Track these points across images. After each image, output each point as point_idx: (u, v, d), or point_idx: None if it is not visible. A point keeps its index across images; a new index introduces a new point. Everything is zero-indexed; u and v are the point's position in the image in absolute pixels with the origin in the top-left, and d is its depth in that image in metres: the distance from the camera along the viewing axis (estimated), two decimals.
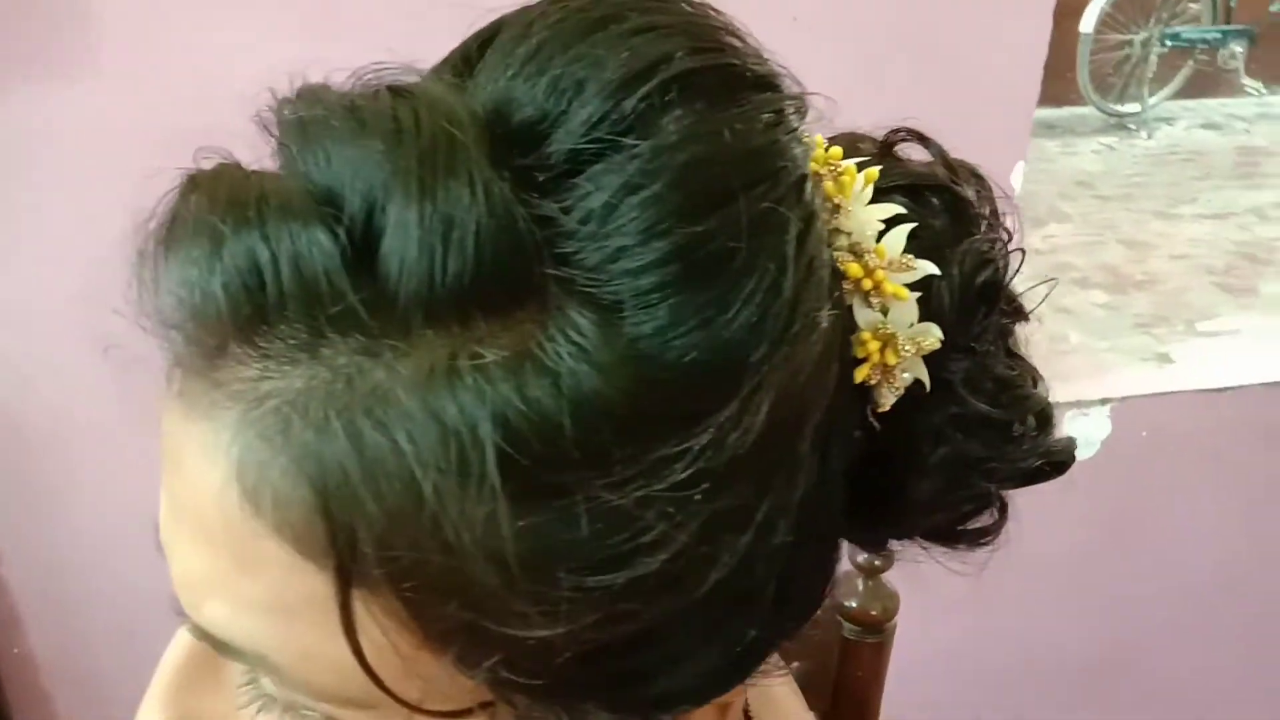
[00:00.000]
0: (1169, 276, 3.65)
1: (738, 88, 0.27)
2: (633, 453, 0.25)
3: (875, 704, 0.71)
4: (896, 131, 0.35)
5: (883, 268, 0.30)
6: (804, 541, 0.29)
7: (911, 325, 0.31)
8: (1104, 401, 1.28)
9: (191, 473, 0.27)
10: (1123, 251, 3.85)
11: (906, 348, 0.30)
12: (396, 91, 0.26)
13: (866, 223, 0.30)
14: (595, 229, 0.25)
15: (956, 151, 1.11)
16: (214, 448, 0.26)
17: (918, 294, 0.31)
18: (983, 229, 0.33)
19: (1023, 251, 0.34)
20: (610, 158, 0.25)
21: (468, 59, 0.29)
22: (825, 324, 0.27)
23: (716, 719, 0.34)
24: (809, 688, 0.70)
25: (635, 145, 0.25)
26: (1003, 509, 0.36)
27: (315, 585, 0.26)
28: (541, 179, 0.26)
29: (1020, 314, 0.35)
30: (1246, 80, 4.97)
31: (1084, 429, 1.27)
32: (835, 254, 0.30)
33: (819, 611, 0.60)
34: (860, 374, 0.31)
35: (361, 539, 0.24)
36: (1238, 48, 4.87)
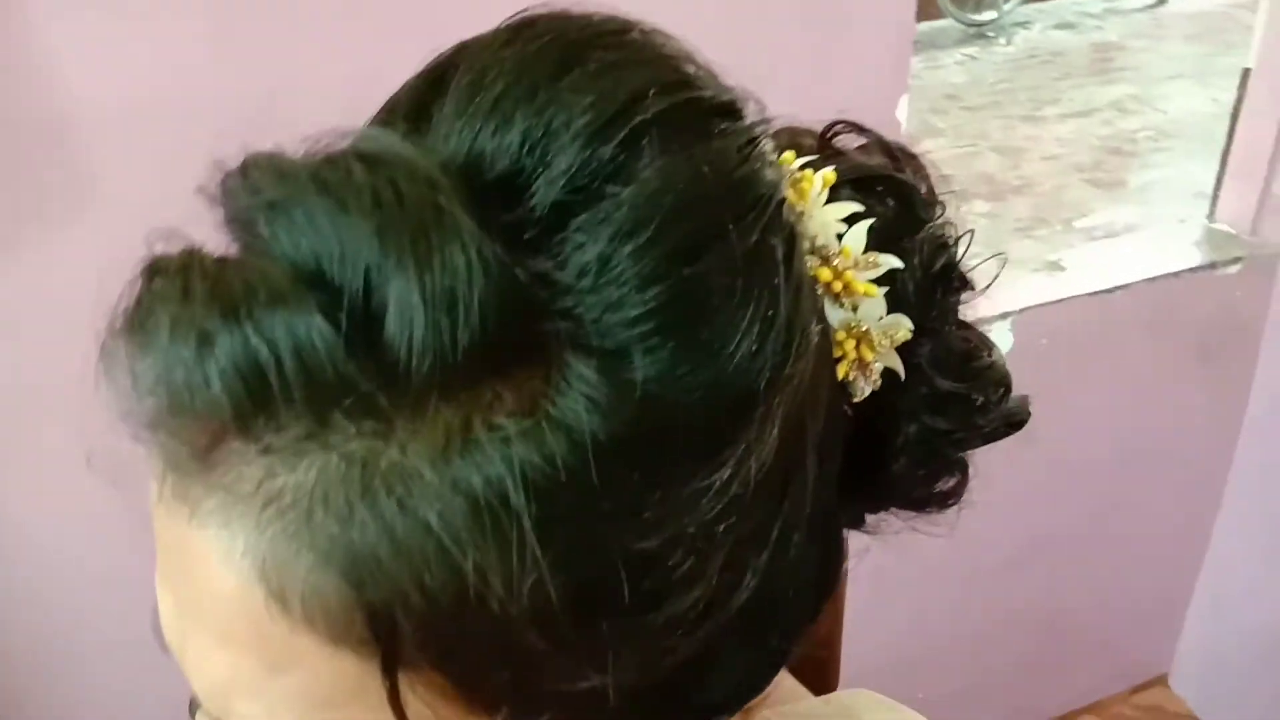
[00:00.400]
0: (1043, 178, 3.79)
1: (708, 120, 0.27)
2: (660, 495, 0.25)
3: (836, 649, 0.74)
4: (834, 125, 0.35)
5: (850, 268, 0.31)
6: (813, 541, 0.30)
7: (881, 319, 0.32)
8: (1004, 316, 1.33)
9: (206, 579, 0.26)
10: (997, 159, 3.98)
11: (881, 342, 0.31)
12: (364, 159, 0.25)
13: (828, 224, 0.31)
14: (592, 282, 0.25)
15: (839, 91, 1.12)
16: (230, 552, 0.25)
17: (884, 288, 0.32)
18: (930, 211, 0.34)
19: (971, 233, 0.35)
20: (596, 207, 0.25)
21: (420, 107, 0.28)
22: (816, 339, 0.28)
23: (743, 717, 0.35)
24: None
25: (619, 192, 0.25)
26: (964, 469, 0.38)
27: (354, 672, 0.25)
28: (528, 235, 0.26)
29: (967, 285, 0.36)
30: None
31: None
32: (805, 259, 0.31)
33: None
34: (840, 371, 0.32)
35: (402, 624, 0.24)
36: None
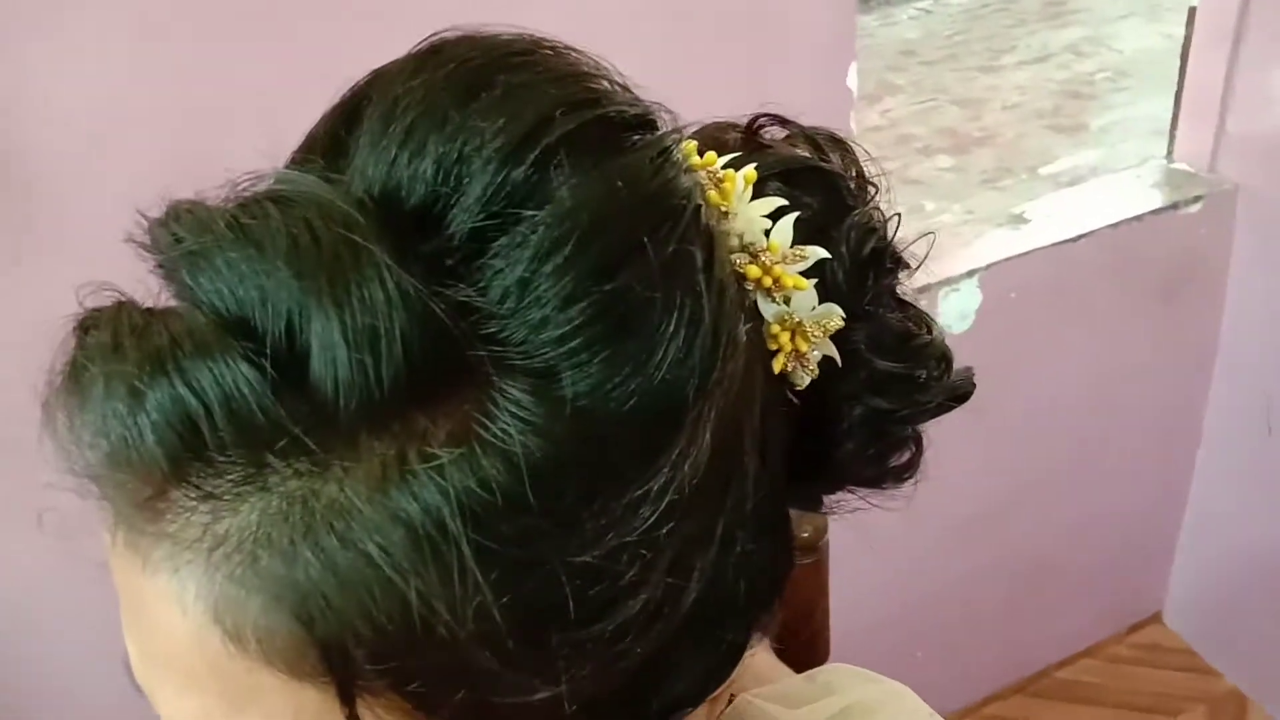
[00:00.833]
0: (1005, 128, 3.80)
1: (619, 135, 0.28)
2: (596, 508, 0.26)
3: (824, 618, 0.75)
4: (757, 117, 0.36)
5: (778, 262, 0.31)
6: (761, 535, 0.31)
7: (814, 309, 0.32)
8: (971, 273, 1.34)
9: (161, 623, 0.26)
10: (957, 112, 3.98)
11: (815, 333, 0.32)
12: (279, 201, 0.25)
13: (753, 221, 0.32)
14: (514, 305, 0.25)
15: (789, 65, 1.13)
16: (183, 598, 0.25)
17: (813, 279, 0.32)
18: (857, 198, 0.35)
19: (899, 216, 0.36)
20: (513, 231, 0.26)
21: (336, 141, 0.28)
22: (744, 338, 0.28)
23: (709, 709, 0.36)
24: None
25: (534, 214, 0.26)
26: (919, 441, 0.38)
27: (316, 703, 0.26)
28: (449, 262, 0.26)
29: (902, 265, 0.37)
30: None
31: (958, 304, 1.33)
32: (732, 258, 0.31)
33: None
34: (777, 364, 0.32)
35: (355, 654, 0.25)
36: None
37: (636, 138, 0.28)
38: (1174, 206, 1.48)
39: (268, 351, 0.24)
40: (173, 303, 0.28)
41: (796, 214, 0.32)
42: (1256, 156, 1.46)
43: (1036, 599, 1.65)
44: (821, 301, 0.32)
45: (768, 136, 0.36)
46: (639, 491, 0.26)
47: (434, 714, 0.27)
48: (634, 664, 0.28)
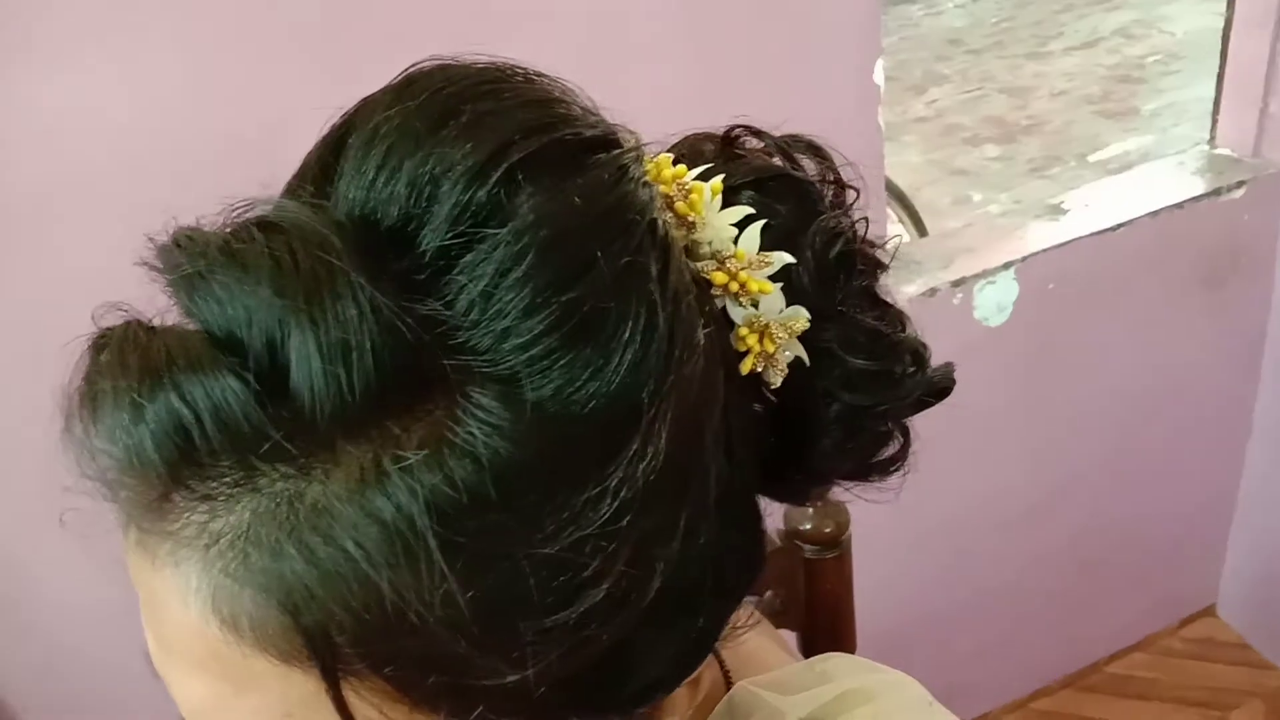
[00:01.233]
0: (1053, 115, 3.75)
1: (577, 156, 0.29)
2: (558, 504, 0.28)
3: (848, 612, 0.76)
4: (733, 128, 0.37)
5: (744, 269, 0.33)
6: (728, 528, 0.32)
7: (781, 311, 0.34)
8: (1007, 265, 1.33)
9: (170, 614, 0.29)
10: (1004, 100, 3.93)
11: (780, 334, 0.33)
12: (265, 227, 0.27)
13: (721, 229, 0.33)
14: (478, 317, 0.27)
15: (814, 61, 1.13)
16: (185, 591, 0.28)
17: (780, 283, 0.33)
18: (827, 203, 0.36)
19: (867, 220, 0.37)
20: (478, 247, 0.28)
21: (325, 168, 0.31)
22: (703, 341, 0.30)
23: (690, 694, 0.37)
24: (783, 613, 0.75)
25: (496, 232, 0.27)
26: (905, 435, 0.39)
27: (308, 685, 0.28)
28: (420, 278, 0.28)
29: (878, 266, 0.38)
30: None
31: (995, 296, 1.33)
32: (699, 265, 0.33)
33: (777, 541, 0.64)
34: (746, 366, 0.34)
35: (337, 640, 0.27)
36: None
37: (595, 157, 0.30)
38: (1216, 193, 1.46)
39: (251, 366, 0.26)
40: (180, 319, 0.30)
41: (765, 221, 0.34)
42: None
43: (1085, 592, 1.64)
44: (789, 304, 0.34)
45: (746, 146, 0.38)
46: (597, 489, 0.28)
47: (412, 695, 0.29)
48: (601, 650, 0.30)
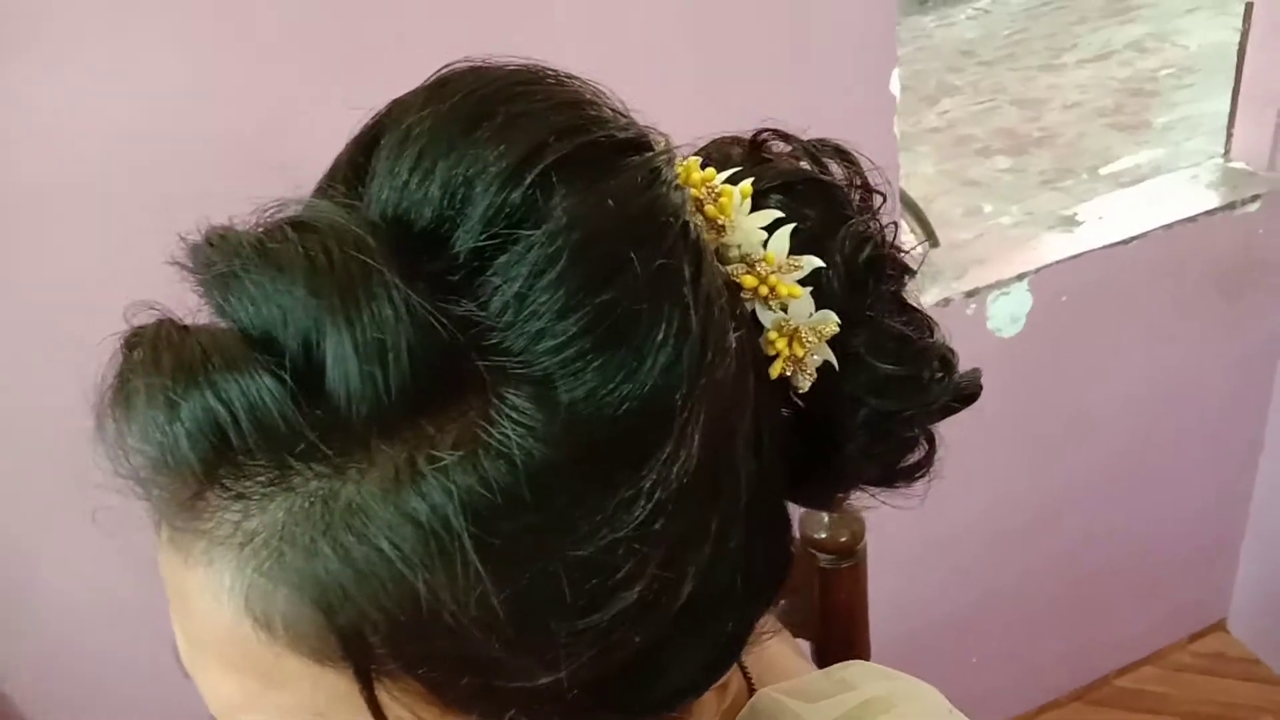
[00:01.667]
0: (1065, 127, 3.74)
1: (610, 158, 0.30)
2: (591, 506, 0.28)
3: (863, 621, 0.76)
4: (761, 132, 0.37)
5: (774, 272, 0.33)
6: (756, 532, 0.32)
7: (810, 315, 0.34)
8: (1021, 277, 1.33)
9: (202, 612, 0.29)
10: (1016, 112, 3.93)
11: (810, 338, 0.33)
12: (299, 227, 0.27)
13: (750, 232, 0.33)
14: (513, 318, 0.27)
15: (831, 71, 1.13)
16: (218, 589, 0.28)
17: (809, 287, 0.33)
18: (855, 208, 0.36)
19: (896, 224, 0.37)
20: (512, 249, 0.28)
21: (356, 168, 0.31)
22: (734, 345, 0.30)
23: (718, 698, 0.37)
24: (798, 622, 0.74)
25: (531, 234, 0.27)
26: (930, 441, 0.39)
27: (340, 685, 0.28)
28: (453, 279, 0.28)
29: (906, 271, 0.38)
30: None
31: (1008, 307, 1.33)
32: (730, 269, 0.33)
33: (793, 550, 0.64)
34: (775, 370, 0.34)
35: (371, 640, 0.27)
36: None
37: (627, 160, 0.30)
38: (1230, 206, 1.46)
39: (288, 365, 0.26)
40: (211, 318, 0.31)
41: (794, 225, 0.34)
42: None
43: (1096, 605, 1.63)
44: (819, 308, 0.34)
45: (773, 150, 0.38)
46: (630, 491, 0.28)
47: (444, 696, 0.29)
48: (632, 653, 0.30)
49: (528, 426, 0.27)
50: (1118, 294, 1.41)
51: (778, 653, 0.48)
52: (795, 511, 0.41)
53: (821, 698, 0.42)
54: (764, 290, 0.33)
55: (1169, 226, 1.41)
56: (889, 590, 1.07)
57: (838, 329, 0.34)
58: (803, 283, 0.33)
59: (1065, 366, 1.43)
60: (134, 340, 0.29)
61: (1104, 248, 1.39)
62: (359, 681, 0.28)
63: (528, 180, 0.28)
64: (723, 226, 0.33)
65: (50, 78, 0.81)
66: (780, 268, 0.33)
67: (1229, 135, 1.56)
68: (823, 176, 0.36)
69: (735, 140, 0.37)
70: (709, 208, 0.33)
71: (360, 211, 0.29)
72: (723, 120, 0.41)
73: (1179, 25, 4.26)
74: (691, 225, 0.30)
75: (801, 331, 0.33)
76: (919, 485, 0.41)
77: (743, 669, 0.44)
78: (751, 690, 0.45)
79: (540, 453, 0.27)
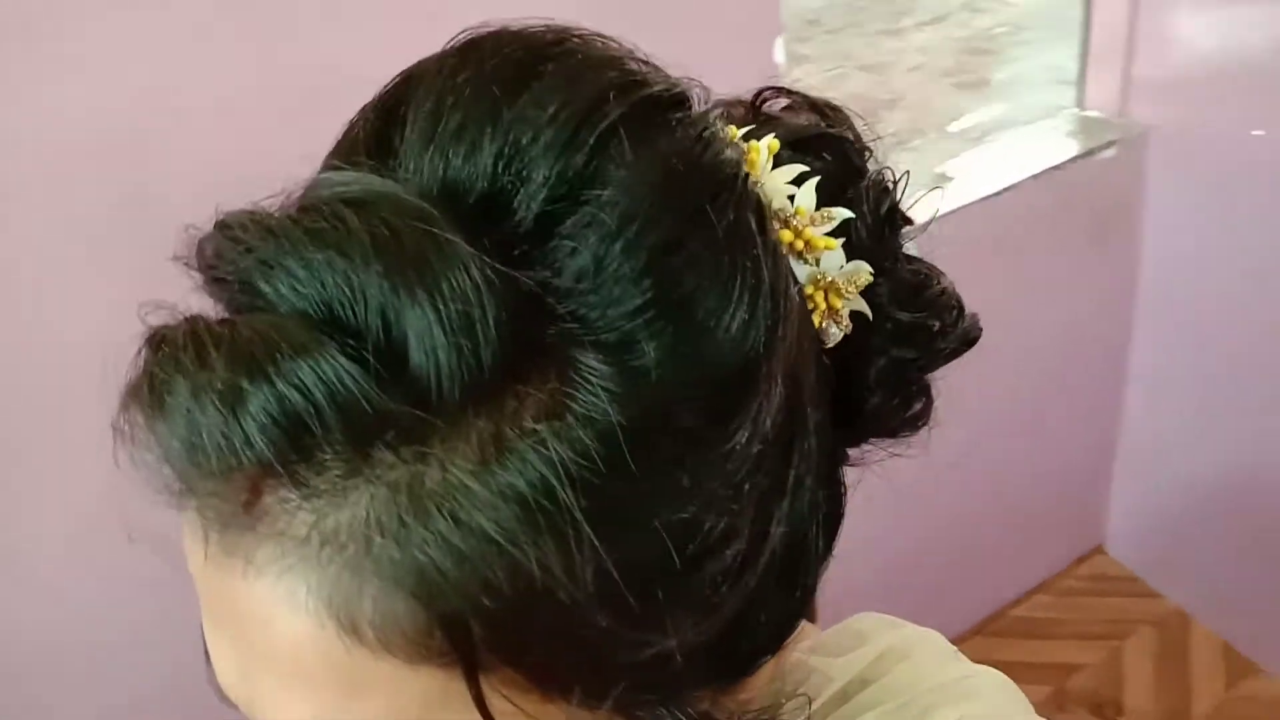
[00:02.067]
0: (912, 89, 3.87)
1: (665, 113, 0.29)
2: (689, 465, 0.27)
3: None
4: (762, 91, 0.37)
5: (807, 225, 0.33)
6: (823, 482, 0.32)
7: (842, 268, 0.34)
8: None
9: (270, 626, 0.27)
10: (865, 78, 4.04)
11: (849, 290, 0.33)
12: (352, 203, 0.26)
13: (779, 189, 0.33)
14: (590, 283, 0.27)
15: (713, 41, 1.14)
16: (293, 596, 0.26)
17: (841, 239, 0.34)
18: (865, 159, 0.36)
19: (908, 173, 0.37)
20: (579, 213, 0.27)
21: (383, 141, 0.29)
22: (798, 298, 0.30)
23: (777, 661, 0.37)
24: None
25: (599, 195, 0.27)
26: (928, 390, 0.40)
27: (434, 685, 0.27)
28: (518, 250, 0.27)
29: (908, 220, 0.38)
30: None
31: None
32: None
33: None
34: (815, 323, 0.33)
35: (476, 630, 0.26)
36: None
37: (679, 115, 0.29)
38: (1090, 153, 1.54)
39: (367, 346, 0.24)
40: (222, 313, 0.28)
41: (817, 178, 0.34)
42: (1164, 98, 1.52)
43: (986, 544, 1.71)
44: (848, 260, 0.34)
45: (774, 108, 0.37)
46: (725, 448, 0.28)
47: (546, 682, 0.28)
48: (727, 614, 0.30)
49: (612, 392, 0.26)
50: (993, 245, 1.47)
51: None
52: None
53: (841, 653, 0.43)
54: (799, 244, 0.33)
55: (1036, 176, 1.48)
56: None
57: (871, 279, 0.34)
58: (833, 234, 0.33)
59: None
60: (161, 338, 0.26)
61: (977, 201, 1.45)
62: (466, 676, 0.26)
63: (590, 141, 0.27)
64: (754, 183, 0.32)
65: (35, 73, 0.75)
66: (813, 220, 0.33)
67: (1081, 85, 1.64)
68: (831, 130, 0.36)
69: (736, 101, 0.37)
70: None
71: (409, 184, 0.27)
72: None
73: None
74: (749, 178, 0.30)
75: (839, 284, 0.33)
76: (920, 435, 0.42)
77: None
78: None
79: (628, 417, 0.26)
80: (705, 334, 0.27)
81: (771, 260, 0.29)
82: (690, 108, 0.30)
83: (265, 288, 0.26)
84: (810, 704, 0.37)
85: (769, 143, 0.33)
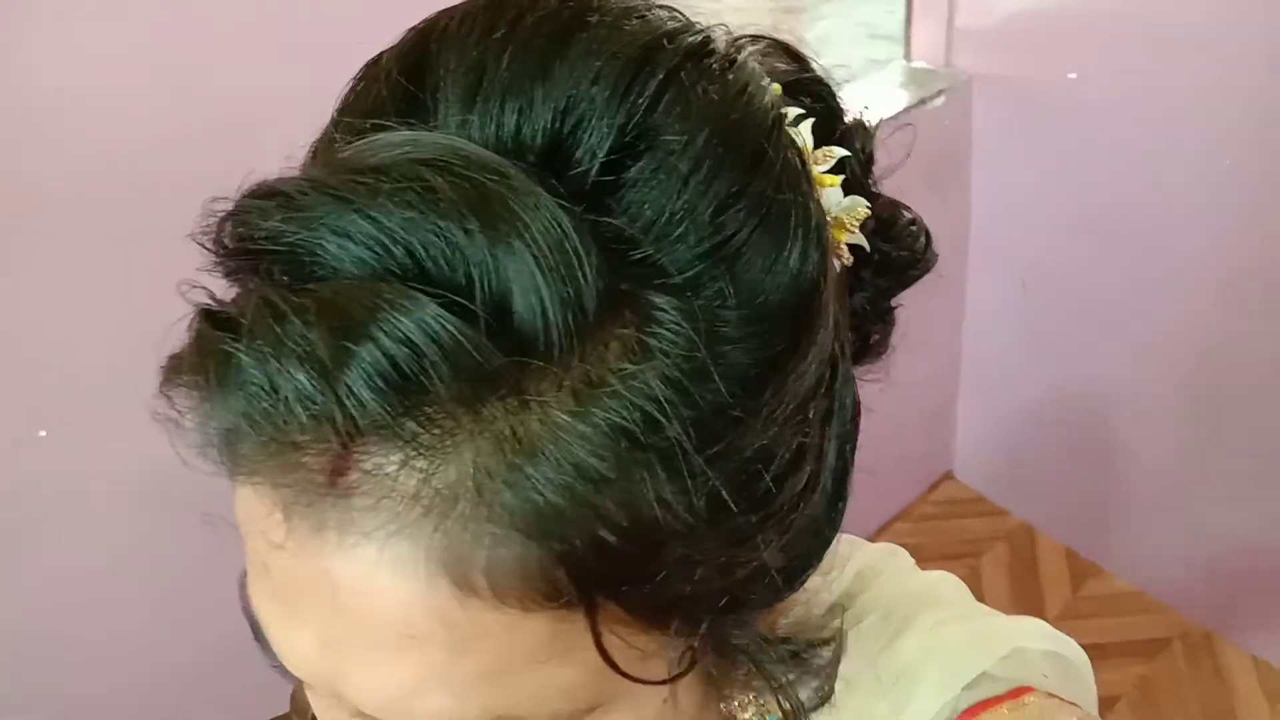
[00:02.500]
0: None
1: (712, 60, 0.30)
2: (772, 390, 0.29)
3: None
4: (738, 39, 0.38)
5: (812, 163, 0.34)
6: (851, 406, 0.34)
7: (839, 204, 0.36)
8: None
9: (374, 597, 0.26)
10: None
11: (851, 224, 0.35)
12: (424, 162, 0.25)
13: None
14: (664, 227, 0.27)
15: None
16: (399, 560, 0.26)
17: (841, 175, 0.35)
18: (840, 101, 0.38)
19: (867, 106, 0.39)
20: (644, 158, 0.27)
21: (413, 100, 0.29)
22: (829, 231, 0.31)
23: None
24: None
25: (666, 139, 0.27)
26: (892, 316, 0.43)
27: (540, 631, 0.27)
28: (587, 197, 0.27)
29: (873, 159, 0.40)
30: None
31: None
32: None
33: None
34: None
35: (595, 568, 0.26)
36: None
37: (719, 60, 0.30)
38: (921, 103, 1.62)
39: (474, 299, 0.24)
40: (247, 288, 0.27)
41: (812, 120, 0.35)
42: (985, 47, 1.62)
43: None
44: (845, 196, 0.36)
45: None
46: (798, 370, 0.29)
47: (648, 614, 0.29)
48: (798, 532, 0.31)
49: (695, 328, 0.27)
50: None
51: None
52: None
53: (826, 571, 0.45)
54: None
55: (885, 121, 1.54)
56: None
57: (868, 213, 0.36)
58: (830, 172, 0.35)
59: None
60: (221, 312, 0.25)
61: None
62: (587, 613, 0.27)
63: (649, 88, 0.28)
64: None
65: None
66: (815, 159, 0.34)
67: (907, 37, 1.72)
68: (817, 74, 0.38)
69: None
70: None
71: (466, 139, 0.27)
72: None
73: None
74: (786, 117, 0.31)
75: (843, 218, 0.35)
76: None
77: None
78: None
79: (713, 350, 0.27)
80: (775, 266, 0.29)
81: (815, 195, 0.31)
82: (717, 52, 0.31)
83: (334, 252, 0.25)
84: (843, 620, 0.39)
85: (773, 87, 0.35)
